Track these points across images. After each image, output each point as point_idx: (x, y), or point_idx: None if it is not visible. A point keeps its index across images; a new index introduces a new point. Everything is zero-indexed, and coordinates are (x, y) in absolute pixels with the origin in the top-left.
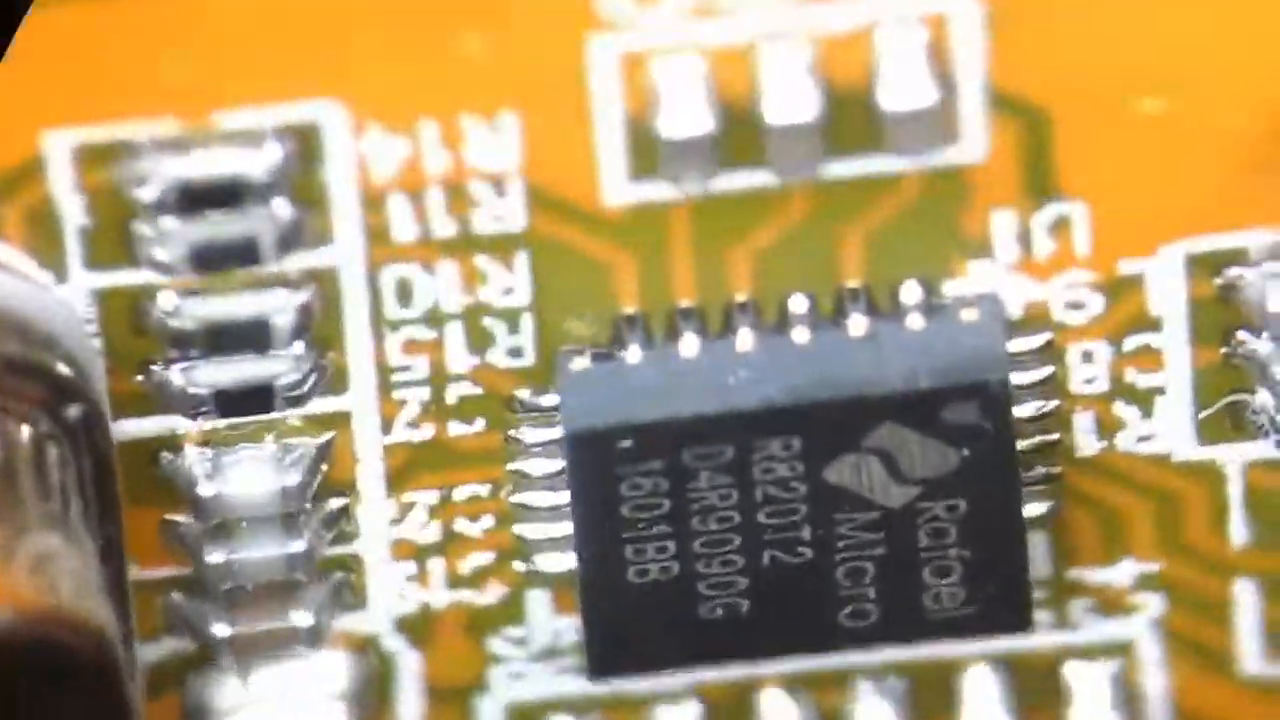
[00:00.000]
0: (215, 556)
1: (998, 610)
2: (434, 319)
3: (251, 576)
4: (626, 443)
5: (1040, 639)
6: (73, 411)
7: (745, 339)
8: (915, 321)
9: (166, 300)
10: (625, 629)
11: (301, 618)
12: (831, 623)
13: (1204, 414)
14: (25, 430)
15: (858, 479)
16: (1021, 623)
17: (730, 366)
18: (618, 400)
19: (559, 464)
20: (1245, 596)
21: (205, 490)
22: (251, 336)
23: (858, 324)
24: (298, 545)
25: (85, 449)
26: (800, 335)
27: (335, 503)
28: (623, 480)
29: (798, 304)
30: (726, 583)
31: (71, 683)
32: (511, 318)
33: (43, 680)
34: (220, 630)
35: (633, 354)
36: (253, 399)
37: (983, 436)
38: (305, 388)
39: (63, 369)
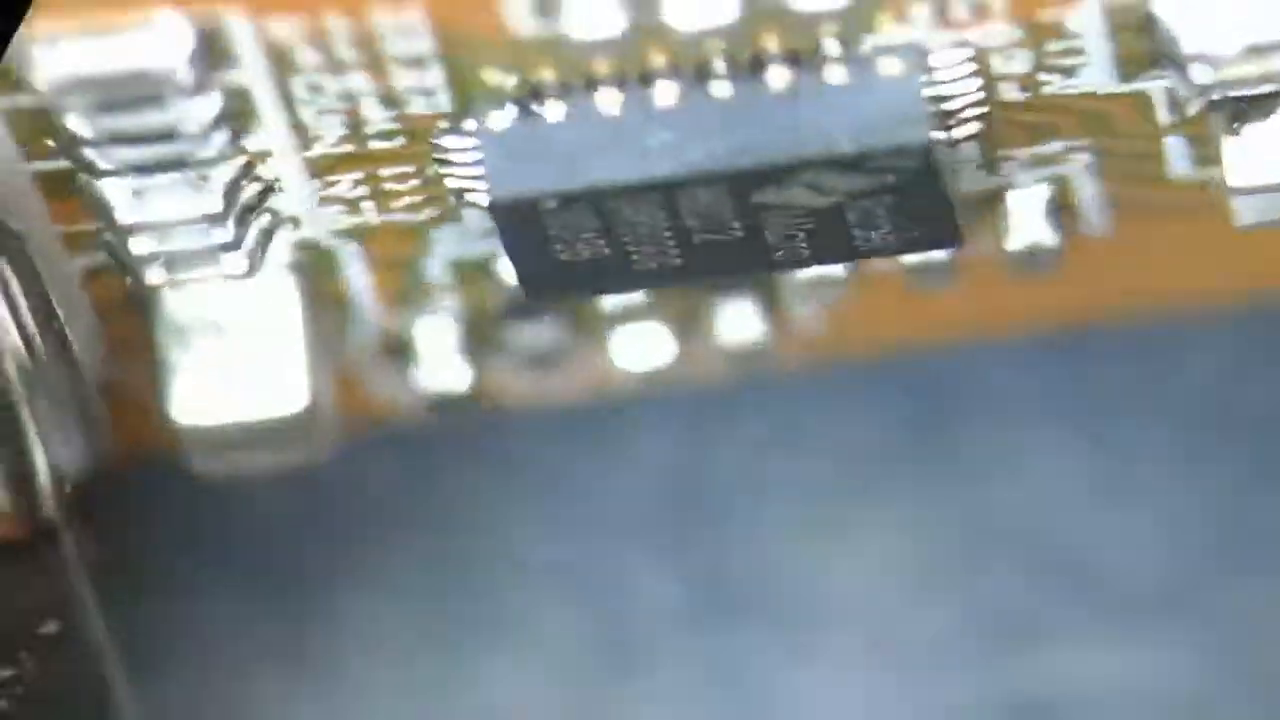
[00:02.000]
0: (141, 247)
1: (929, 232)
2: (347, 96)
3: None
4: (551, 204)
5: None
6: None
7: (665, 93)
8: (836, 75)
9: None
10: (554, 281)
11: (235, 263)
12: (766, 267)
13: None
14: None
15: (783, 197)
16: (951, 239)
17: (651, 126)
18: (540, 165)
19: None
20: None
21: (126, 218)
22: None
23: (778, 76)
24: (223, 235)
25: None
26: (720, 90)
27: (255, 186)
28: (550, 227)
29: (716, 61)
30: (658, 251)
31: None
32: (420, 64)
33: None
34: (155, 276)
35: (553, 110)
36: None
37: (911, 178)
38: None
39: None
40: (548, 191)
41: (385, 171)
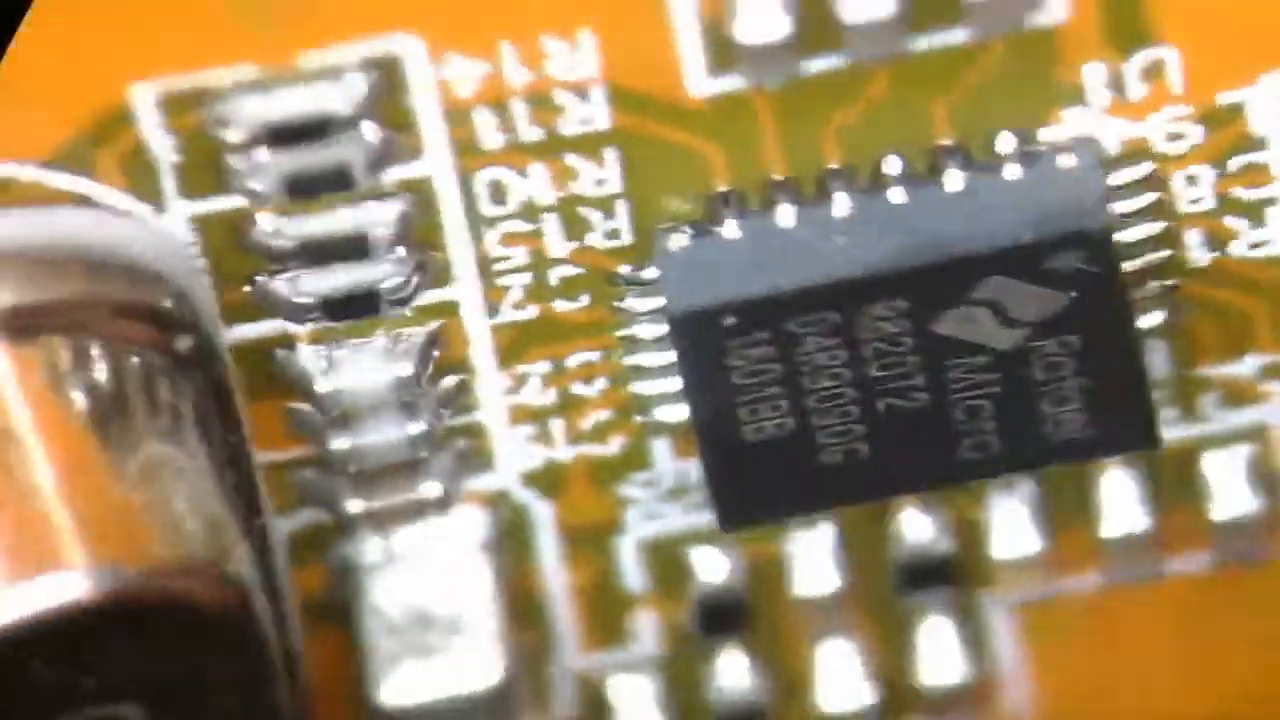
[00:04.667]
0: (340, 443)
1: (1122, 428)
2: (530, 212)
3: (376, 459)
4: (731, 320)
5: (1171, 433)
6: (182, 344)
7: (841, 203)
8: (1012, 172)
9: (266, 221)
10: (747, 482)
11: (430, 488)
12: (953, 457)
13: None
14: (134, 360)
15: (966, 328)
16: (1148, 439)
17: (828, 233)
18: (718, 277)
19: (666, 327)
20: None
21: (322, 386)
22: (351, 248)
23: (953, 179)
24: (417, 427)
25: (199, 375)
26: (896, 195)
27: (450, 379)
28: (730, 353)
29: (892, 165)
30: (844, 431)
31: (206, 634)
32: (606, 205)
33: (177, 635)
34: (353, 505)
35: (729, 229)
36: (359, 303)
37: (1089, 280)
38: (409, 289)
39: (169, 304)
40: (726, 302)
41: (572, 361)
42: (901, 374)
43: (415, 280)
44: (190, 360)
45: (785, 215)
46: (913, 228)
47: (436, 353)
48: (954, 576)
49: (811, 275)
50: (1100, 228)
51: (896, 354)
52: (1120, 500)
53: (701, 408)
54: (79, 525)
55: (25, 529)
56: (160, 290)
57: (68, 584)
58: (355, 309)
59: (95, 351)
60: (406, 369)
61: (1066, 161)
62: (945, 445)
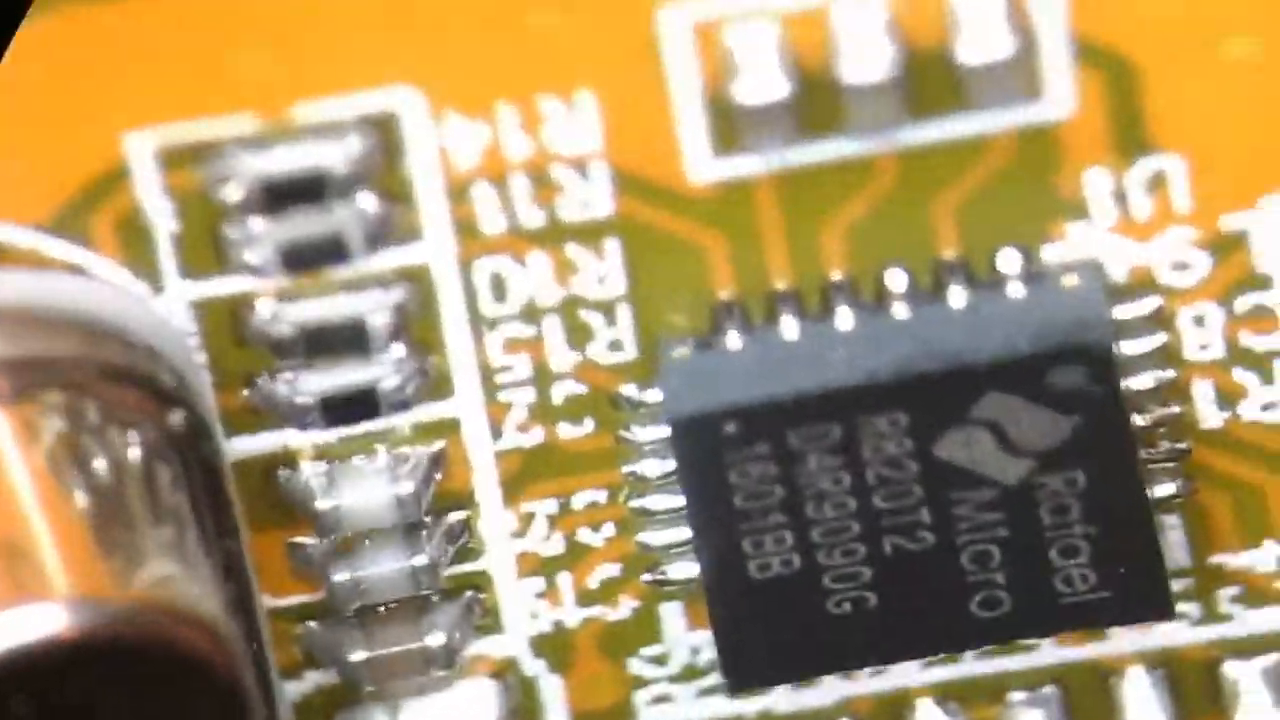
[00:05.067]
0: (341, 574)
1: (1135, 593)
2: (530, 314)
3: (379, 594)
4: (731, 427)
5: (1192, 634)
6: (176, 418)
7: (845, 318)
8: (1015, 290)
9: (264, 307)
10: (756, 633)
11: (435, 638)
12: (963, 613)
13: None
14: (134, 451)
15: (968, 453)
16: (1161, 607)
17: (831, 344)
18: (720, 384)
19: (673, 464)
20: None
21: (323, 504)
22: (350, 338)
23: (957, 296)
24: (420, 559)
25: (194, 460)
26: (900, 311)
27: (455, 516)
28: (731, 467)
29: (895, 280)
30: (850, 574)
31: (190, 678)
32: (607, 309)
33: (161, 677)
34: (356, 655)
35: (733, 340)
36: (358, 405)
37: (1092, 401)
38: (409, 391)
39: (164, 376)
40: (726, 407)
41: (578, 501)
42: (906, 506)
43: (415, 383)
44: (183, 437)
45: (789, 328)
46: (915, 340)
47: (439, 475)
48: None
49: (813, 383)
50: (1102, 342)
51: (900, 482)
52: (1142, 707)
53: (705, 533)
54: (63, 560)
55: (7, 561)
56: (155, 362)
57: (49, 617)
58: (355, 412)
59: (89, 409)
60: (408, 488)
61: (1070, 281)
62: (954, 599)
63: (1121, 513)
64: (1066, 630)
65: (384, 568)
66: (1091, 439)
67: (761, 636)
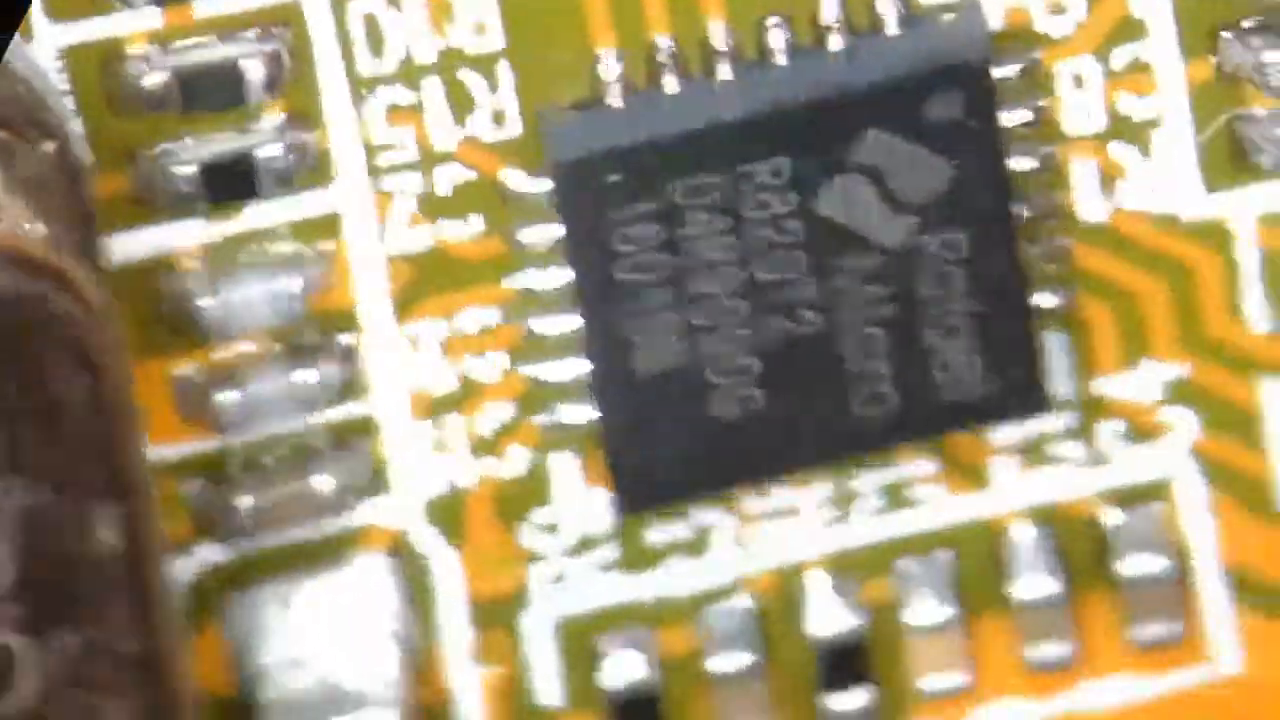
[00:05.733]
0: (228, 397)
1: (1012, 387)
2: (409, 74)
3: (266, 423)
4: (615, 176)
5: (1077, 482)
6: (48, 146)
7: (725, 71)
8: (892, 28)
9: (137, 50)
10: (646, 444)
11: (323, 482)
12: (848, 413)
13: (1203, 135)
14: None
15: (850, 211)
16: (1037, 400)
17: (711, 94)
18: (603, 132)
19: (565, 274)
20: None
21: (206, 303)
22: (225, 89)
23: (836, 41)
24: (309, 375)
25: (61, 171)
26: (780, 59)
27: (344, 338)
28: (615, 228)
29: (775, 38)
30: (738, 369)
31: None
32: (488, 67)
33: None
34: (243, 501)
35: (614, 96)
36: (238, 181)
37: (970, 137)
38: (289, 163)
39: (37, 113)
40: (608, 149)
41: (468, 321)
42: (790, 280)
43: (294, 158)
44: (54, 163)
45: (669, 83)
46: (794, 81)
47: (323, 280)
48: (870, 670)
49: (693, 123)
50: (979, 60)
51: (784, 248)
52: (1030, 568)
53: (592, 313)
54: None
55: None
56: (25, 102)
57: None
58: (236, 187)
59: None
60: (294, 286)
61: (948, 16)
62: (839, 395)
63: (1000, 285)
64: (947, 429)
65: (269, 386)
66: (971, 187)
67: (652, 448)
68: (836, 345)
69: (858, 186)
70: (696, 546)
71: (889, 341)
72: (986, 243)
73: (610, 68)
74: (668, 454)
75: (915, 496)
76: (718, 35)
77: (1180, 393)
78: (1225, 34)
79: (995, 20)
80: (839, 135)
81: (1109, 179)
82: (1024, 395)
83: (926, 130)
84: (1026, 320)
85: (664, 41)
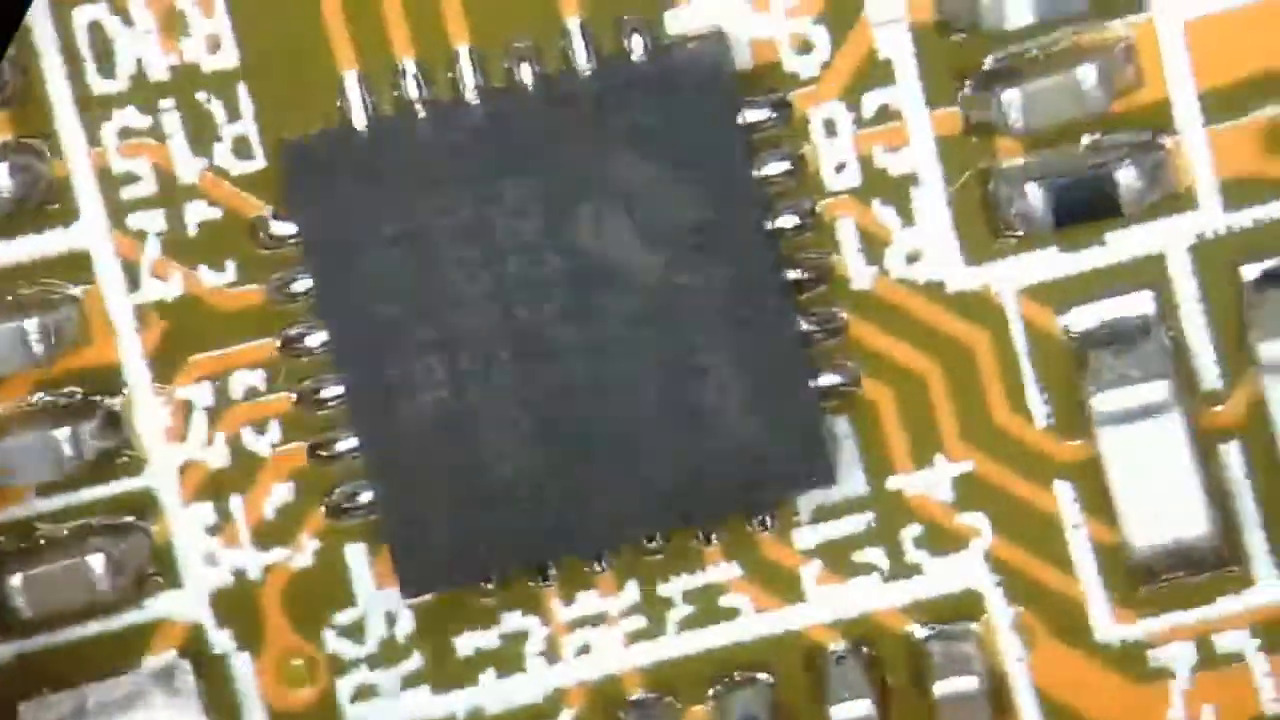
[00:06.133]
0: None
1: (794, 455)
2: (144, 93)
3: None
4: (360, 200)
5: (887, 596)
6: None
7: (471, 95)
8: (639, 56)
9: None
10: (421, 520)
11: (96, 559)
12: (629, 483)
13: (955, 186)
14: None
15: (605, 237)
16: (822, 469)
17: (460, 120)
18: (345, 156)
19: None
20: (1068, 508)
21: None
22: None
23: (583, 66)
24: (66, 434)
25: None
26: (526, 78)
27: (109, 402)
28: (363, 252)
29: (525, 73)
30: (510, 420)
31: None
32: (226, 88)
33: None
34: (15, 580)
35: (358, 120)
36: None
37: (720, 164)
38: (24, 192)
39: None
40: (353, 171)
41: (236, 385)
42: (551, 321)
43: (29, 187)
44: None
45: (417, 109)
46: (540, 105)
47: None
48: None
49: (438, 146)
50: (725, 91)
51: (543, 284)
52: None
53: (351, 357)
54: None
55: None
56: None
57: None
58: None
59: None
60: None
61: (694, 46)
62: (619, 461)
63: (774, 355)
64: (736, 504)
65: (31, 445)
66: (725, 217)
67: (427, 525)
68: (608, 401)
69: (609, 215)
70: (508, 658)
71: (661, 399)
72: (749, 281)
73: (353, 91)
74: (444, 531)
75: (726, 605)
76: (464, 59)
77: (971, 494)
78: (967, 81)
79: (742, 58)
80: (585, 159)
81: (875, 240)
82: (809, 466)
83: (675, 157)
84: (804, 387)
85: (409, 65)
